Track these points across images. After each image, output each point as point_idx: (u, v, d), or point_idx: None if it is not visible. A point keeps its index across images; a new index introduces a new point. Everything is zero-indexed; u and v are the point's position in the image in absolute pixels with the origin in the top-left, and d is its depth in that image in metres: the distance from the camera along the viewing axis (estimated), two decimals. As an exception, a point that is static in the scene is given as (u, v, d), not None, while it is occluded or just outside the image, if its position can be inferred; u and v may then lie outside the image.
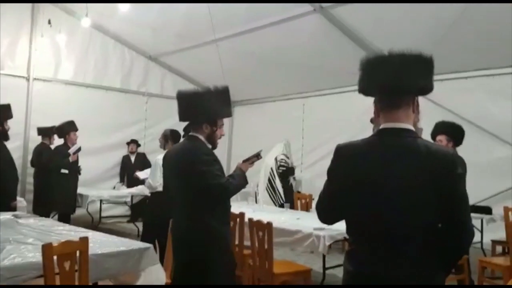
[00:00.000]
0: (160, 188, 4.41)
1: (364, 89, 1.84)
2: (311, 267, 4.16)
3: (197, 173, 2.64)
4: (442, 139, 4.18)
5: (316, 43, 6.50)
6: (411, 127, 1.76)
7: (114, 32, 8.00)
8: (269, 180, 6.73)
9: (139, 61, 8.69)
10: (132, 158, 8.35)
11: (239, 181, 2.79)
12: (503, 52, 5.63)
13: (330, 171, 1.87)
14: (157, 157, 4.91)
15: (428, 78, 1.77)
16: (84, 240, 2.56)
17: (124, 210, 8.13)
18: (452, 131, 4.27)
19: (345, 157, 1.82)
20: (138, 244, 3.18)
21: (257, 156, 3.04)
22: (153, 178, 4.87)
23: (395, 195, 1.70)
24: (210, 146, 2.81)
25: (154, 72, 8.89)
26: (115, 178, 8.43)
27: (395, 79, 1.73)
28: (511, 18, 4.96)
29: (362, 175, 1.76)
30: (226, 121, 9.94)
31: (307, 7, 5.81)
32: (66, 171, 6.12)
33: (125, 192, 7.16)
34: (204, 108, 2.75)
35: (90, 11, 6.45)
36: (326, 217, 2.00)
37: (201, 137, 2.78)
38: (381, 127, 1.80)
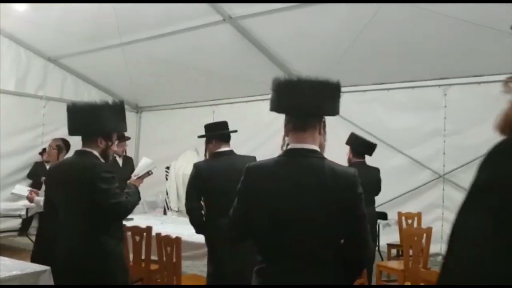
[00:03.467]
0: None
1: (275, 109, 1.92)
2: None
3: (97, 192, 2.53)
4: (348, 150, 4.73)
5: (226, 52, 6.54)
6: (317, 148, 1.85)
7: (9, 32, 7.35)
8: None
9: (36, 63, 8.07)
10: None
11: (134, 198, 2.77)
12: (396, 69, 6.12)
13: (240, 190, 1.91)
14: None
15: (334, 102, 1.88)
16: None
17: (17, 223, 7.48)
18: (351, 143, 4.69)
19: (254, 177, 1.88)
20: (34, 267, 2.93)
21: (148, 173, 3.12)
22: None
23: (301, 213, 1.78)
24: (103, 161, 2.71)
25: (53, 75, 8.30)
26: (8, 187, 7.72)
27: (304, 104, 1.83)
28: (405, 39, 5.42)
29: (270, 195, 1.83)
30: (133, 127, 9.64)
31: (217, 16, 5.82)
32: None
33: (20, 204, 6.58)
34: (100, 121, 2.64)
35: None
36: (236, 235, 2.04)
37: (95, 152, 2.66)
38: (289, 147, 1.88)
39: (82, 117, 2.66)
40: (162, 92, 8.38)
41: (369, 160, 4.87)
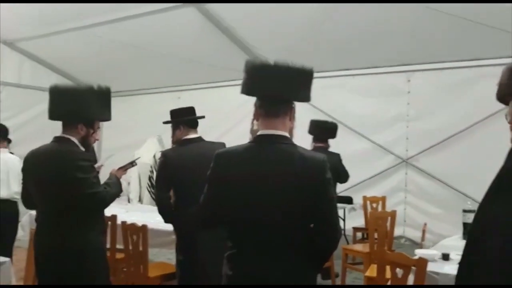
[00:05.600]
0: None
1: (248, 92, 1.89)
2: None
3: (73, 181, 2.41)
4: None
5: (190, 36, 6.41)
6: (287, 134, 1.85)
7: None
8: (149, 178, 6.49)
9: (-10, 46, 7.68)
10: None
11: (115, 189, 2.66)
12: (361, 55, 6.18)
13: (210, 177, 1.90)
14: None
15: (307, 89, 1.88)
16: None
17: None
18: (313, 131, 4.74)
19: (224, 164, 1.87)
20: (-8, 258, 2.81)
21: (132, 163, 3.03)
22: None
23: (271, 198, 1.79)
24: (83, 149, 2.58)
25: (10, 59, 7.92)
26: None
27: (278, 89, 1.82)
28: (369, 25, 5.46)
29: (240, 180, 1.83)
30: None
31: (180, -1, 5.68)
32: None
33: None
34: (83, 107, 2.51)
35: None
36: (206, 222, 2.04)
37: (74, 139, 2.52)
38: (259, 133, 1.87)
39: (63, 101, 2.51)
40: (126, 77, 8.15)
41: (334, 145, 4.92)
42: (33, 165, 2.54)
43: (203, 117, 3.41)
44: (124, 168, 2.92)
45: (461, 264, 0.89)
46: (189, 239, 3.04)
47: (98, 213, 2.58)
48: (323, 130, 4.83)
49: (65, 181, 2.40)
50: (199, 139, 3.24)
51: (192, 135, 3.25)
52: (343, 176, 4.77)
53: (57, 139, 2.55)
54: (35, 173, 2.53)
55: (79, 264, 2.41)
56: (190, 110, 3.36)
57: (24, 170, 2.60)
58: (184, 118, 3.28)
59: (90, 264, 2.44)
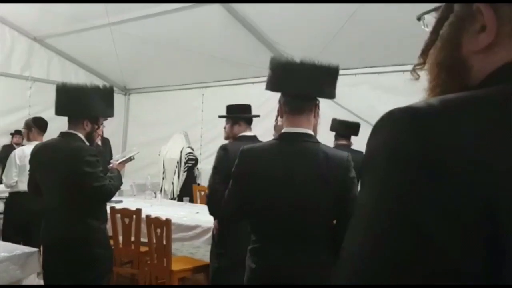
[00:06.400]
0: (19, 188, 4.18)
1: (273, 88, 1.90)
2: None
3: (81, 175, 2.56)
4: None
5: (216, 33, 6.46)
6: (311, 132, 1.86)
7: (-8, 10, 7.16)
8: (175, 173, 6.56)
9: (21, 42, 7.89)
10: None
11: (117, 182, 2.81)
12: (387, 52, 6.09)
13: (235, 173, 1.93)
14: (14, 151, 4.52)
15: (332, 86, 1.88)
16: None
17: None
18: (335, 128, 4.71)
19: (249, 160, 1.90)
20: (22, 249, 2.91)
21: (131, 158, 3.28)
22: (7, 175, 4.46)
23: (294, 195, 1.81)
24: (88, 144, 2.75)
25: (39, 55, 8.13)
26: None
27: (303, 87, 1.82)
28: (396, 22, 5.39)
29: (264, 177, 1.85)
30: (121, 110, 9.54)
31: (206, -4, 5.72)
32: None
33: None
34: (88, 104, 2.67)
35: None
36: (231, 216, 2.07)
37: (80, 135, 2.69)
38: (283, 131, 1.89)
39: (70, 98, 2.67)
40: (151, 74, 8.27)
41: (357, 144, 4.88)
42: (42, 158, 2.71)
43: (258, 116, 3.48)
44: (124, 163, 3.16)
45: None
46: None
47: (102, 204, 2.76)
48: (346, 127, 4.79)
49: (74, 175, 2.55)
50: (255, 137, 3.22)
51: (249, 133, 3.27)
52: None
53: (63, 134, 2.72)
54: (44, 166, 2.69)
55: (86, 251, 2.58)
56: (248, 108, 3.37)
57: (32, 162, 2.78)
58: (245, 115, 3.31)
59: (96, 250, 2.61)
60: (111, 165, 3.05)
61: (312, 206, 1.82)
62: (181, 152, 6.55)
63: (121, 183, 2.93)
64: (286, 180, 1.81)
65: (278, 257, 1.82)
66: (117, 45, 6.97)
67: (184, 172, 6.47)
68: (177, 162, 6.49)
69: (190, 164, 6.50)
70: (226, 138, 3.41)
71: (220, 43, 6.67)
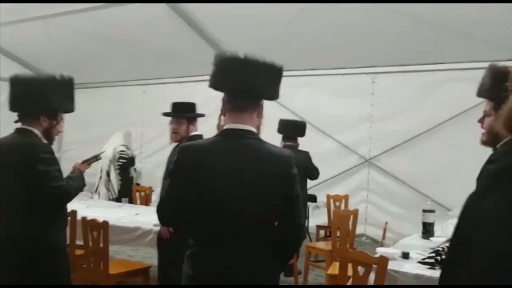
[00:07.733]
0: None
1: (216, 86, 1.84)
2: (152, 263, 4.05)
3: (35, 174, 2.31)
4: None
5: (158, 29, 6.31)
6: (254, 129, 1.83)
7: None
8: (107, 173, 6.32)
9: None
10: None
11: (78, 183, 2.56)
12: (328, 56, 6.25)
13: (173, 172, 1.84)
14: None
15: (276, 86, 1.86)
16: None
17: None
18: (282, 130, 4.83)
19: (188, 158, 1.82)
20: None
21: (96, 157, 2.92)
22: None
23: (236, 193, 1.74)
24: (46, 142, 2.47)
25: (-34, 47, 7.58)
26: None
27: (247, 83, 1.78)
28: (337, 26, 5.53)
29: (205, 175, 1.77)
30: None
31: (149, -8, 5.58)
32: None
33: None
34: (46, 98, 2.41)
35: None
36: (169, 218, 1.97)
37: (36, 131, 2.42)
38: (225, 127, 1.83)
39: (24, 91, 2.40)
40: (90, 69, 7.93)
41: (301, 145, 4.96)
42: None
43: (203, 115, 3.37)
44: (88, 162, 2.80)
45: (450, 259, 0.94)
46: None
47: (59, 208, 2.49)
48: (292, 129, 4.87)
49: (25, 174, 2.30)
50: (201, 136, 3.11)
51: (197, 132, 3.20)
52: (313, 172, 4.83)
53: (18, 131, 2.45)
54: None
55: (38, 262, 2.32)
56: (193, 106, 3.26)
57: None
58: (197, 114, 3.20)
59: (49, 264, 2.36)
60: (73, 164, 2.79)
61: (253, 204, 1.75)
62: (113, 149, 6.33)
63: (83, 185, 2.63)
64: (227, 177, 1.74)
65: (216, 261, 1.73)
66: (54, 39, 6.65)
67: (116, 170, 6.27)
68: (109, 161, 6.27)
69: (121, 163, 6.29)
70: (176, 140, 3.27)
71: (163, 40, 6.54)
